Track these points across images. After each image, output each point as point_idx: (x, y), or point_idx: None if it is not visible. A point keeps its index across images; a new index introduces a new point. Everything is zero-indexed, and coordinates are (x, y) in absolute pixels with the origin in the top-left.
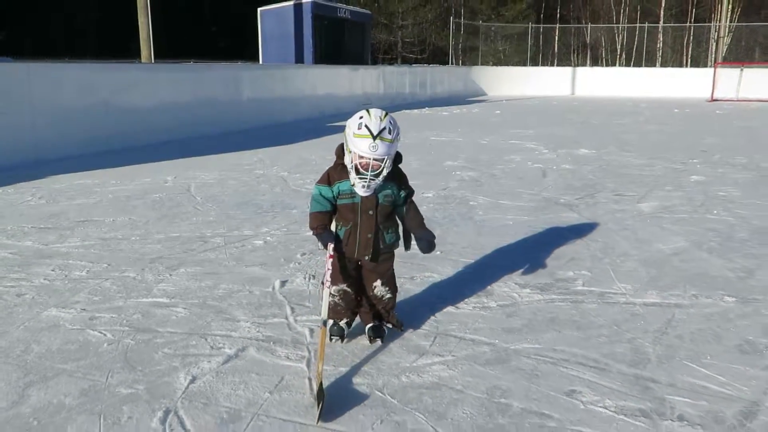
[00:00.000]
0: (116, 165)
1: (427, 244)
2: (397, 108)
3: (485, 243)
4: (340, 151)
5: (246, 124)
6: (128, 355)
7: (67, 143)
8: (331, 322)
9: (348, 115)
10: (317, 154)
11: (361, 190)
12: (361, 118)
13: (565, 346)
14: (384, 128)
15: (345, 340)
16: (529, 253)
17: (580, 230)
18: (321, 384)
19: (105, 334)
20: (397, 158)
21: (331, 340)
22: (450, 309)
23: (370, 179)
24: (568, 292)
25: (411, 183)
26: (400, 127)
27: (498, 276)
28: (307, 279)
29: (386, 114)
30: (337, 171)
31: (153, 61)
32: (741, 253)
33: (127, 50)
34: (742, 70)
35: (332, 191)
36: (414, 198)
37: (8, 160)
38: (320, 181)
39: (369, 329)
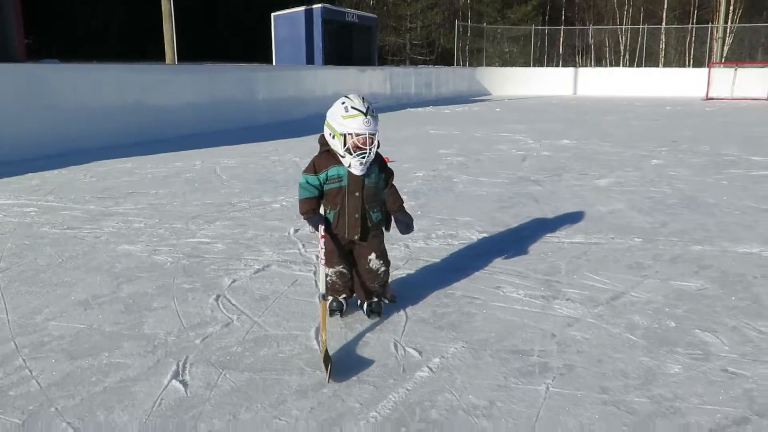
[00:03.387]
0: (149, 153)
1: (405, 225)
2: (402, 107)
3: (458, 206)
4: (323, 140)
5: (261, 120)
6: (186, 269)
7: (106, 134)
8: (330, 298)
9: None
10: None
11: (358, 169)
12: (343, 103)
13: (502, 265)
14: (368, 106)
15: (344, 314)
16: (492, 212)
17: (539, 197)
18: (326, 350)
19: (167, 258)
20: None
21: (331, 315)
22: (422, 245)
23: (369, 152)
24: (515, 236)
25: (406, 166)
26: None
27: (463, 226)
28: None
29: (363, 97)
30: (323, 159)
31: (176, 63)
32: (664, 212)
33: (147, 53)
34: (736, 69)
35: (318, 179)
36: (405, 176)
37: (58, 148)
38: (306, 170)
39: (367, 306)
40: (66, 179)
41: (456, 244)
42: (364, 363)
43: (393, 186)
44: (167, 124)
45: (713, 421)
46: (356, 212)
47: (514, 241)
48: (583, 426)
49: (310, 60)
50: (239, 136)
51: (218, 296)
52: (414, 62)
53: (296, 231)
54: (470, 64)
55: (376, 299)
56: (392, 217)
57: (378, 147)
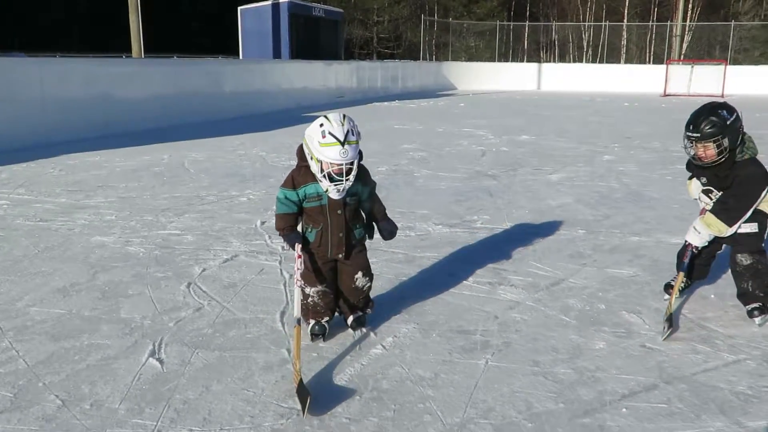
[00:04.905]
0: (117, 146)
1: (389, 233)
2: (368, 101)
3: (417, 200)
4: (302, 154)
5: (227, 114)
6: (158, 259)
7: (73, 128)
8: (312, 321)
9: (323, 107)
10: (293, 139)
11: (335, 195)
12: (321, 126)
13: (456, 254)
14: (348, 131)
15: (326, 339)
16: (449, 205)
17: (494, 191)
18: (301, 381)
19: (140, 249)
20: (360, 155)
21: (312, 340)
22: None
23: (345, 182)
24: (468, 227)
25: (370, 161)
26: (355, 122)
27: (420, 218)
28: None
29: (345, 116)
30: (301, 174)
31: (143, 56)
32: (608, 206)
33: (113, 46)
34: (693, 67)
35: (297, 195)
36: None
37: (25, 141)
38: (285, 185)
39: (352, 321)
40: (35, 172)
41: (413, 236)
42: (325, 344)
43: (375, 195)
44: (134, 118)
45: (627, 388)
46: (339, 231)
47: (467, 232)
48: (514, 393)
49: (276, 54)
50: (206, 129)
51: (189, 284)
52: (381, 56)
53: (263, 223)
54: (436, 59)
55: (360, 313)
56: (375, 226)
57: (361, 159)
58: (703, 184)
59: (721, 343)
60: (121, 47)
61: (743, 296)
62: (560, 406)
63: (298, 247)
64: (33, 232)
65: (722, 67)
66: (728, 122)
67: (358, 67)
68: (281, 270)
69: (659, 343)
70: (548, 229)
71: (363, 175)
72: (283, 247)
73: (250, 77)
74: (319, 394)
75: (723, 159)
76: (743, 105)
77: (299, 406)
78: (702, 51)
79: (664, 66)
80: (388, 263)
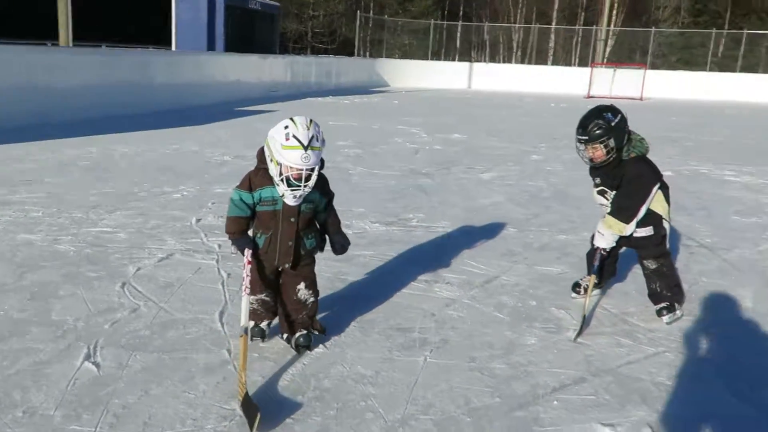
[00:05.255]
0: (43, 138)
1: (341, 247)
2: (303, 96)
3: (354, 198)
4: (262, 156)
5: (159, 106)
6: (90, 257)
7: None
8: (251, 323)
9: (257, 101)
10: (227, 133)
11: (291, 201)
12: (286, 128)
13: (393, 252)
14: (312, 136)
15: (266, 340)
16: (385, 204)
17: (429, 190)
18: (247, 394)
19: (69, 248)
20: (321, 163)
21: (252, 340)
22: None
23: (303, 188)
24: (405, 226)
25: None
26: (321, 128)
27: (357, 217)
28: (216, 218)
29: (311, 121)
30: (259, 177)
31: (71, 45)
32: (537, 204)
33: (39, 33)
34: (615, 70)
35: (253, 197)
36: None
37: None
38: (240, 186)
39: (296, 339)
40: None
41: (350, 234)
42: (265, 344)
43: (332, 207)
44: (61, 109)
45: (558, 381)
46: (290, 239)
47: (402, 231)
48: (452, 388)
49: (211, 46)
50: (137, 122)
51: (124, 284)
52: (315, 51)
53: (198, 221)
54: (371, 55)
55: (304, 331)
56: (327, 239)
57: (322, 167)
58: (597, 185)
59: (642, 336)
60: (50, 35)
61: (653, 296)
62: (496, 400)
63: (248, 252)
64: None
65: (642, 71)
66: (613, 124)
67: (293, 61)
68: (219, 269)
69: (585, 338)
70: (481, 227)
71: (322, 183)
72: (219, 245)
73: (183, 69)
74: (261, 394)
75: (611, 158)
76: (661, 108)
77: (247, 422)
78: (624, 55)
79: (588, 69)
80: (326, 261)
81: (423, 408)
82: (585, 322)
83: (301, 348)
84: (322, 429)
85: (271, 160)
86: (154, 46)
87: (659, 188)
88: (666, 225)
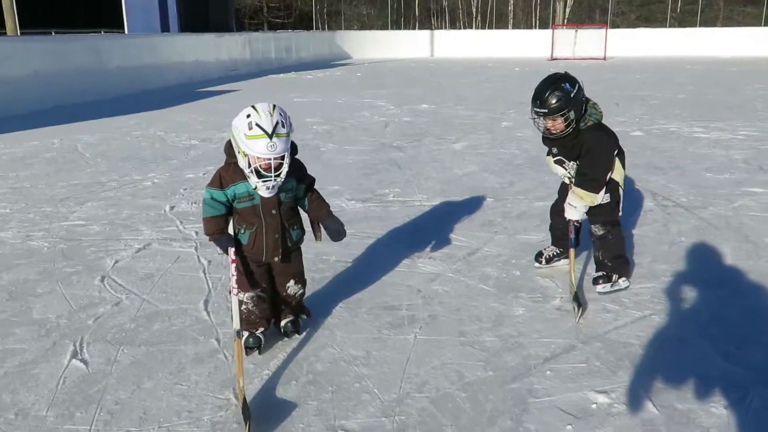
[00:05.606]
0: None
1: (337, 232)
2: (264, 73)
3: (327, 175)
4: (230, 149)
5: (116, 91)
6: (65, 252)
7: None
8: (246, 333)
9: (217, 81)
10: (190, 116)
11: (265, 192)
12: (249, 117)
13: (370, 230)
14: (277, 123)
15: (262, 351)
16: (359, 180)
17: (402, 163)
18: (245, 400)
19: (43, 243)
20: (294, 149)
21: (247, 353)
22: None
23: (274, 179)
24: (381, 201)
25: None
26: (287, 113)
27: (333, 194)
28: (190, 204)
29: (274, 106)
30: (230, 173)
31: (19, 33)
32: (512, 173)
33: None
34: (576, 31)
35: (226, 195)
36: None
37: None
38: (211, 184)
39: (285, 326)
40: None
41: None
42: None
43: (315, 191)
44: (14, 99)
45: (549, 351)
46: (275, 232)
47: (380, 207)
48: (445, 364)
49: (165, 27)
50: (96, 109)
51: (103, 277)
52: (272, 26)
53: (172, 208)
54: (329, 28)
55: (292, 317)
56: (320, 225)
57: (295, 153)
58: (554, 155)
59: (628, 300)
60: None
61: (596, 263)
62: (489, 373)
63: (232, 251)
64: None
65: (603, 30)
66: (572, 95)
67: (251, 38)
68: (198, 257)
69: (572, 304)
70: (458, 198)
71: (298, 170)
72: (197, 232)
73: (137, 52)
74: (254, 383)
75: (570, 130)
76: (624, 67)
77: (245, 427)
78: (584, 15)
79: (550, 31)
80: (306, 242)
81: (418, 386)
82: (579, 299)
83: (291, 333)
84: (318, 413)
85: (239, 152)
86: (106, 30)
87: (616, 154)
88: (620, 192)
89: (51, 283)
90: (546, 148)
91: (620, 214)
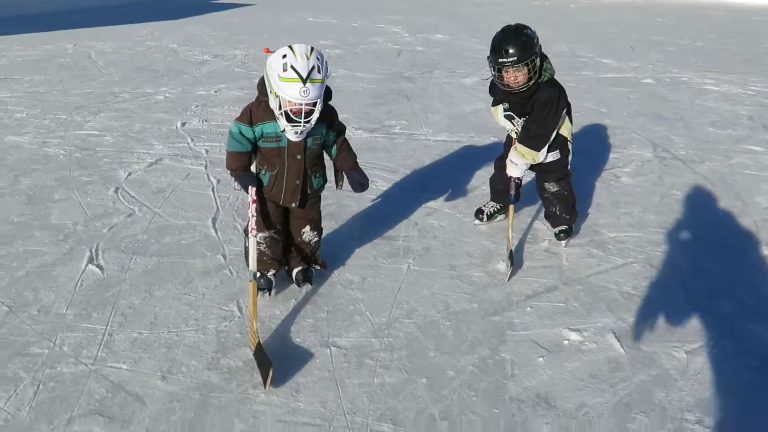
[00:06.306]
0: (13, 32)
1: (359, 185)
2: None
3: (337, 103)
4: (262, 87)
5: None
6: (80, 162)
7: None
8: (257, 274)
9: None
10: (203, 30)
11: (293, 136)
12: (284, 57)
13: (375, 160)
14: (313, 67)
15: (273, 292)
16: (367, 109)
17: (411, 94)
18: (260, 345)
19: (59, 151)
20: (328, 95)
21: (259, 292)
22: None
23: (304, 124)
24: (387, 133)
25: None
26: (324, 57)
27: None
28: (201, 122)
29: (312, 49)
30: (260, 110)
31: None
32: None
33: None
34: None
35: (254, 132)
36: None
37: None
38: (240, 119)
39: (297, 273)
40: None
41: None
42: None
43: (345, 141)
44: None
45: (532, 289)
46: (297, 178)
47: (386, 138)
48: (434, 294)
49: None
50: (110, 15)
51: (117, 189)
52: None
53: (183, 125)
54: None
55: (305, 266)
56: (344, 175)
57: (329, 99)
58: (505, 110)
59: (613, 247)
60: None
61: (551, 219)
62: (474, 306)
63: (252, 191)
64: None
65: None
66: (535, 41)
67: None
68: (208, 175)
69: (560, 248)
70: (463, 135)
71: (329, 116)
72: (207, 150)
73: None
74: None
75: (531, 83)
76: (647, 7)
77: (260, 375)
78: None
79: None
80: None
81: (407, 312)
82: (512, 259)
83: (302, 283)
84: (314, 330)
85: (270, 92)
86: None
87: (565, 111)
88: (570, 146)
89: (67, 191)
90: (491, 99)
91: (569, 168)
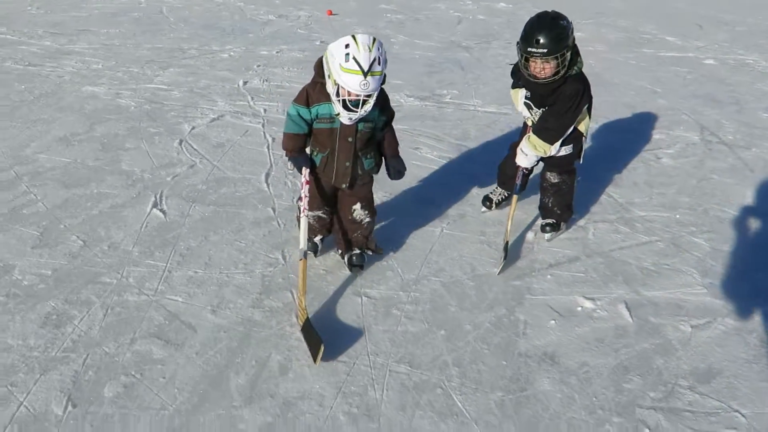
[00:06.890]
0: None
1: (397, 172)
2: None
3: (391, 69)
4: (320, 69)
5: None
6: (149, 113)
7: None
8: (307, 248)
9: None
10: None
11: (347, 121)
12: (347, 47)
13: (423, 128)
14: (374, 60)
15: (318, 255)
16: (421, 77)
17: (466, 64)
18: (308, 320)
19: (130, 102)
20: (382, 79)
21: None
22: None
23: (358, 113)
24: (437, 101)
25: (348, 20)
26: (384, 47)
27: (394, 89)
28: (261, 81)
29: (374, 40)
30: (316, 91)
31: None
32: None
33: None
34: None
35: (310, 113)
36: (344, 32)
37: None
38: (297, 100)
39: (349, 258)
40: (12, 9)
41: None
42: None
43: (391, 128)
44: None
45: (555, 259)
46: (347, 159)
47: (435, 107)
48: (462, 257)
49: None
50: None
51: (181, 141)
52: None
53: (245, 83)
54: None
55: (358, 251)
56: (384, 161)
57: (383, 82)
58: (525, 98)
59: (640, 225)
60: None
61: (542, 209)
62: (498, 270)
63: (306, 172)
64: (24, 77)
65: None
66: (570, 32)
67: None
68: (264, 133)
69: (589, 222)
70: (511, 108)
71: (383, 101)
72: (265, 110)
73: None
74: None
75: (558, 77)
76: None
77: (308, 349)
78: None
79: None
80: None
81: (435, 271)
82: (507, 251)
83: (354, 267)
84: (348, 282)
85: (329, 77)
86: None
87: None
88: (584, 141)
89: (137, 140)
90: (511, 81)
91: (581, 162)
